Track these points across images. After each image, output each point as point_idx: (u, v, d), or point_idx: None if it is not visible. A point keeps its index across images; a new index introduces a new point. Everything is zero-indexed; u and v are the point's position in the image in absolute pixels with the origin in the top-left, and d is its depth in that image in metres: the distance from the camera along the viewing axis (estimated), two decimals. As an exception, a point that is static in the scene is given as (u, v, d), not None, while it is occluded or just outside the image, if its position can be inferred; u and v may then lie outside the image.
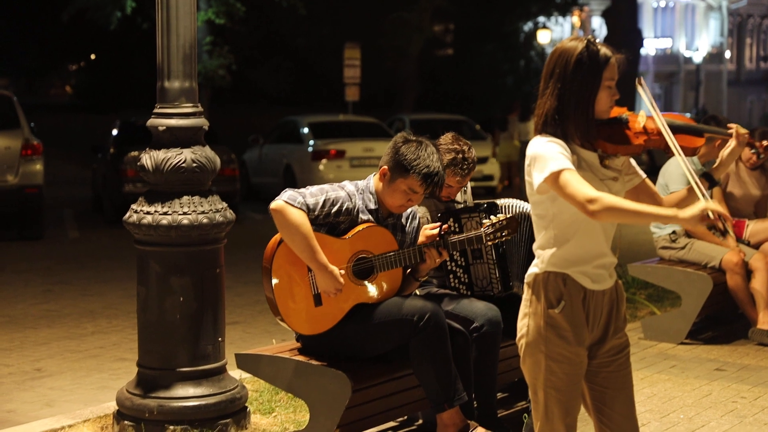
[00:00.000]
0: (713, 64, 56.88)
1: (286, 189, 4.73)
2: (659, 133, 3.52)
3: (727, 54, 58.53)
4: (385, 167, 4.78)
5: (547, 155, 3.39)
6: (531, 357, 3.50)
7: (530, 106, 24.26)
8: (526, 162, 3.46)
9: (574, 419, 3.53)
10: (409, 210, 4.98)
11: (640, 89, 3.59)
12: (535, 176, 3.41)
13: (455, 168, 5.21)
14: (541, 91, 3.50)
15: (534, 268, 3.52)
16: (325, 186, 4.79)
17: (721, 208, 3.27)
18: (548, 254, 3.48)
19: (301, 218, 4.58)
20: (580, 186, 3.32)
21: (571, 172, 3.34)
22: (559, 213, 3.46)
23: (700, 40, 56.95)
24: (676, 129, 3.58)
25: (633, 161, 3.63)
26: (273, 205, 4.63)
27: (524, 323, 3.51)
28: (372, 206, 4.80)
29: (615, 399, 3.54)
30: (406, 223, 4.95)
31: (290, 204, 4.60)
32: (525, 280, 3.56)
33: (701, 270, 7.56)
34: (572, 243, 3.46)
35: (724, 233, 3.30)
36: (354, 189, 4.80)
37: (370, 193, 4.82)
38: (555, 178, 3.35)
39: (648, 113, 3.57)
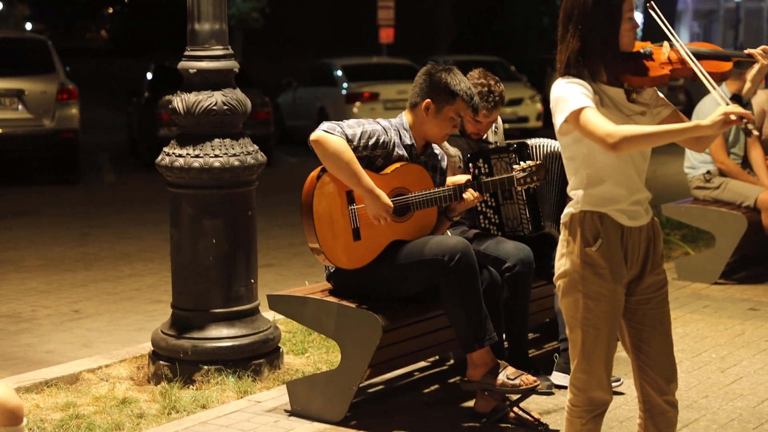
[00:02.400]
0: (753, 2, 55.85)
1: (323, 122, 4.75)
2: (683, 62, 3.50)
3: (768, -9, 57.46)
4: (428, 100, 4.79)
5: (567, 95, 3.39)
6: (569, 296, 3.51)
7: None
8: (551, 105, 3.46)
9: (611, 358, 3.55)
10: (438, 150, 4.99)
11: (653, 14, 3.55)
12: (558, 118, 3.42)
13: (481, 102, 5.20)
14: (560, 36, 3.49)
15: (569, 209, 3.53)
16: (361, 119, 4.83)
17: (741, 109, 3.24)
18: (582, 195, 3.49)
19: (342, 145, 4.60)
20: (598, 122, 3.32)
21: (591, 110, 3.34)
22: (588, 153, 3.45)
23: (741, -23, 55.91)
24: (700, 56, 3.53)
25: (660, 93, 3.60)
26: (312, 136, 4.65)
27: (561, 263, 3.52)
28: (408, 142, 4.82)
29: (653, 336, 3.56)
30: (437, 162, 4.96)
31: (330, 133, 4.62)
32: (561, 221, 3.56)
33: (736, 209, 7.50)
34: (604, 182, 3.46)
35: (747, 132, 3.28)
36: (388, 124, 4.83)
37: (405, 129, 4.84)
38: (575, 116, 3.35)
39: (671, 46, 3.54)
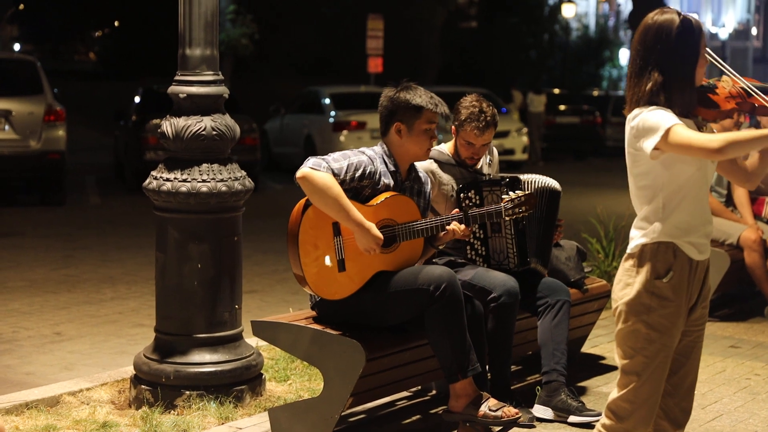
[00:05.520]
0: (739, 41, 56.35)
1: (309, 157, 4.75)
2: (743, 96, 3.57)
3: (754, 31, 58.00)
4: (397, 122, 4.83)
5: (656, 119, 3.44)
6: (630, 325, 3.53)
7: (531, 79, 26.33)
8: (632, 134, 3.49)
9: (659, 396, 3.57)
10: (422, 173, 5.02)
11: (708, 57, 3.61)
12: (647, 143, 3.44)
13: (473, 122, 5.27)
14: (637, 69, 3.54)
15: (641, 239, 3.54)
16: (347, 151, 4.83)
17: None
18: (658, 225, 3.51)
19: (329, 181, 4.61)
20: (693, 134, 3.39)
21: (681, 126, 3.40)
22: (669, 182, 3.49)
23: (727, 17, 56.42)
24: (764, 90, 3.59)
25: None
26: (299, 173, 4.65)
27: (625, 293, 3.54)
28: (392, 168, 4.85)
29: (687, 368, 3.62)
30: (422, 185, 4.99)
31: (316, 169, 4.63)
32: (629, 251, 3.58)
33: (719, 247, 7.54)
34: (681, 210, 3.49)
35: None
36: (373, 153, 4.85)
37: (387, 156, 4.86)
38: (666, 136, 3.39)
39: (729, 79, 3.62)
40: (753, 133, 3.38)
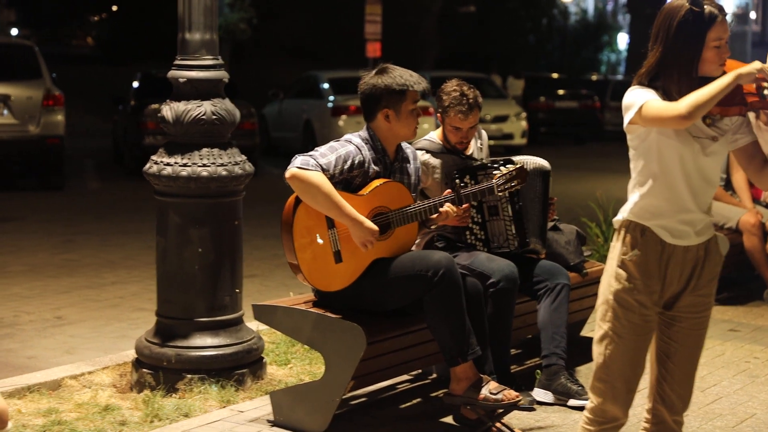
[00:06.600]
0: (738, 25, 56.15)
1: (296, 156, 4.70)
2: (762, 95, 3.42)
3: (752, 15, 57.90)
4: (384, 109, 4.81)
5: (632, 97, 3.45)
6: (602, 299, 3.56)
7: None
8: (623, 113, 3.51)
9: (634, 375, 3.56)
10: (409, 151, 5.03)
11: None
12: (625, 118, 3.47)
13: (456, 106, 5.30)
14: (648, 51, 3.54)
15: (620, 215, 3.58)
16: (333, 144, 4.81)
17: None
18: (632, 202, 3.53)
19: (319, 178, 4.59)
20: (662, 104, 3.37)
21: (653, 100, 3.40)
22: (646, 163, 3.49)
23: (725, 1, 56.32)
24: None
25: (753, 120, 3.54)
26: (287, 173, 4.62)
27: (606, 266, 3.59)
28: (380, 153, 4.85)
29: (681, 355, 3.60)
30: (410, 162, 5.01)
31: (304, 168, 4.62)
32: (615, 225, 3.61)
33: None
34: (651, 193, 3.49)
35: (763, 96, 3.35)
36: (360, 141, 4.84)
37: (374, 140, 4.86)
38: (641, 110, 3.39)
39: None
40: (711, 87, 3.32)
